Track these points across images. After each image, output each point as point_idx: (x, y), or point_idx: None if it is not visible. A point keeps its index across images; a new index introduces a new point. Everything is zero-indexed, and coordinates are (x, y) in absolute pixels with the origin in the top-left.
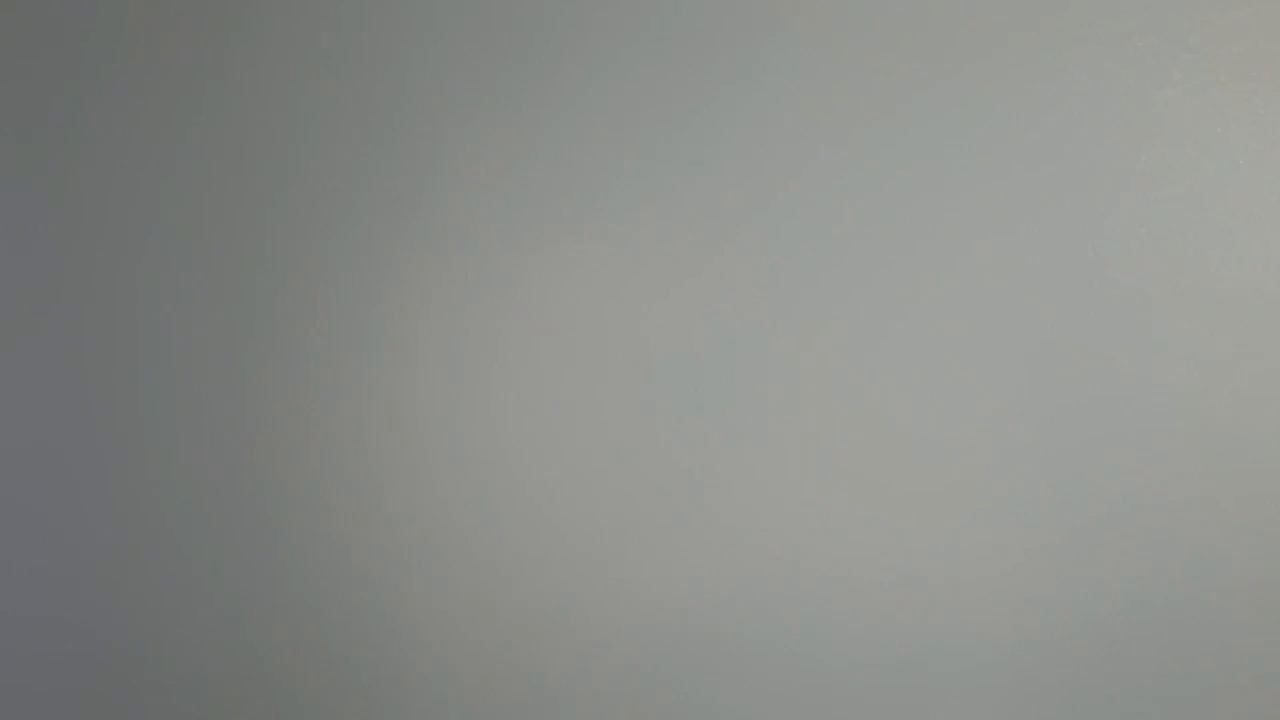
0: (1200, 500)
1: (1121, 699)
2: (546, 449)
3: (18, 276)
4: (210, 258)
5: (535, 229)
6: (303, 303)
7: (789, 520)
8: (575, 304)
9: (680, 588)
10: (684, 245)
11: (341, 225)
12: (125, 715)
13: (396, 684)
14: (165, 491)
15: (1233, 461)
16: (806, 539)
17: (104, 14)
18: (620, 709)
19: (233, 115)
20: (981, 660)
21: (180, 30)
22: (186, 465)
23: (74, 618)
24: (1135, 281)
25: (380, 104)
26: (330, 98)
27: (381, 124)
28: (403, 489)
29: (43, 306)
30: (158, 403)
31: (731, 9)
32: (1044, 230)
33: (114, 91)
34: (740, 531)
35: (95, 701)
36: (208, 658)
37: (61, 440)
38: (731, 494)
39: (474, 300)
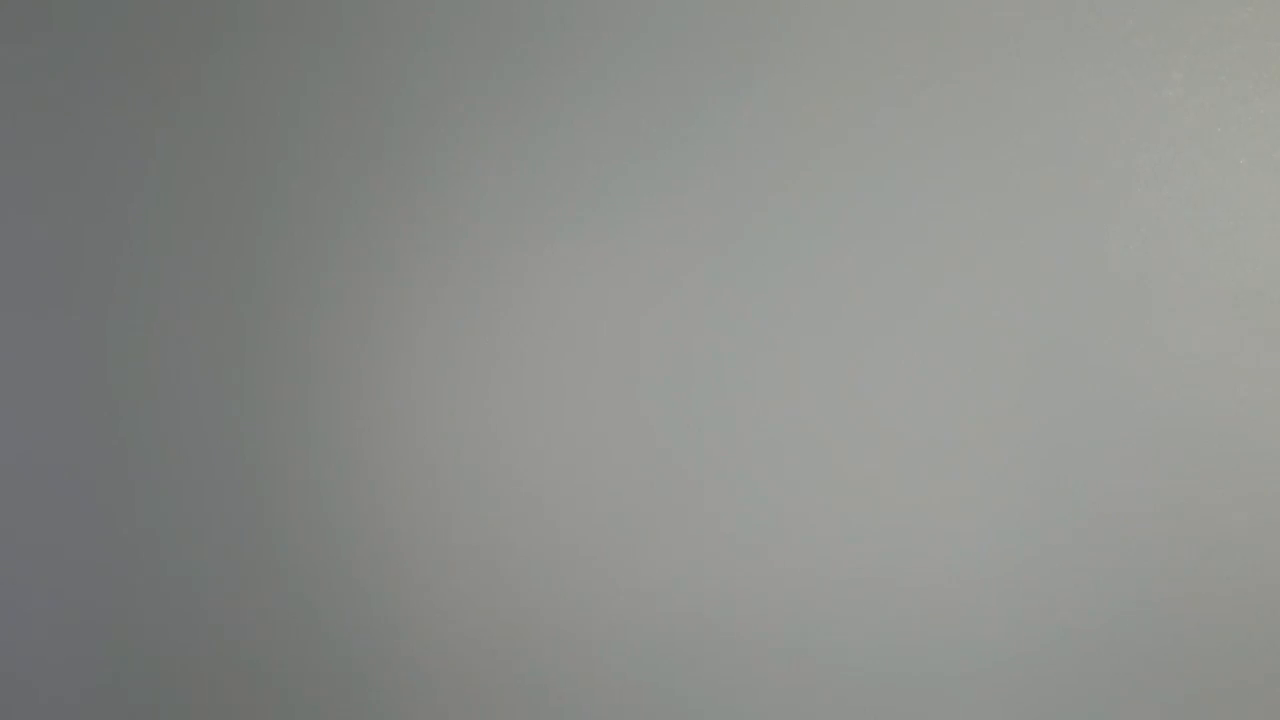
0: (1202, 501)
1: (1123, 701)
2: (546, 449)
3: (16, 275)
4: (209, 257)
5: (535, 229)
6: (301, 302)
7: (789, 523)
8: (574, 304)
9: (680, 590)
10: (684, 245)
11: (340, 225)
12: (124, 716)
13: (395, 684)
14: (162, 491)
15: (1233, 462)
16: (807, 541)
17: (104, 9)
18: (620, 711)
19: (232, 113)
20: (982, 661)
21: (179, 27)
22: (184, 465)
23: (72, 619)
24: (1135, 281)
25: (379, 104)
26: (329, 96)
27: (380, 124)
28: (401, 488)
29: (40, 306)
30: (155, 402)
31: (732, 9)
32: (1044, 231)
33: (112, 90)
34: (740, 534)
35: (94, 702)
36: (206, 658)
37: (57, 441)
38: (731, 496)
39: (473, 300)
